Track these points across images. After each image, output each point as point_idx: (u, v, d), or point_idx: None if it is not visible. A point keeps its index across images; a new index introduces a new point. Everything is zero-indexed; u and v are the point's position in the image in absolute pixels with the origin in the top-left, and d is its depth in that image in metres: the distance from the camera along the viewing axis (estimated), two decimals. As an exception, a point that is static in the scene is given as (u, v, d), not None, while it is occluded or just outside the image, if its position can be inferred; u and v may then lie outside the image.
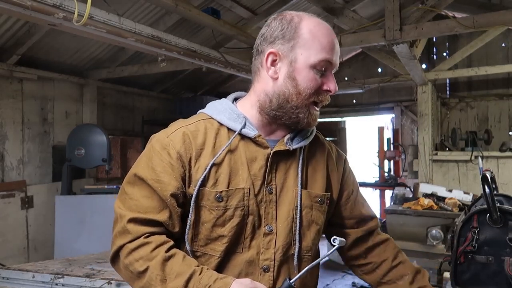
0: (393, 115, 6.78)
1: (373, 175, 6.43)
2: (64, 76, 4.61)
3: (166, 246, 0.98)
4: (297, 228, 1.05)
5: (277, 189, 1.05)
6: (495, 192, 1.47)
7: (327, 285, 4.80)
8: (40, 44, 3.99)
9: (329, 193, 1.13)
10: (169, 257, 0.97)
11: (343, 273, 5.21)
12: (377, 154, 6.07)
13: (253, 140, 1.05)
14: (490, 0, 5.18)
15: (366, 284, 4.93)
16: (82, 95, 4.97)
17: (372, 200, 7.57)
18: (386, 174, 5.77)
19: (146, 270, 0.95)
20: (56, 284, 2.07)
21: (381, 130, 6.12)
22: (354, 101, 6.99)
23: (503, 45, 5.91)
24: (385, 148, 6.00)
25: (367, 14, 5.16)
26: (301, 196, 1.06)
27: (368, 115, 7.29)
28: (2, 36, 3.71)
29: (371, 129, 8.26)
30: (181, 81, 6.07)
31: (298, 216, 1.05)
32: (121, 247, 0.99)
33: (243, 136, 1.06)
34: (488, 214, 1.39)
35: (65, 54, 4.40)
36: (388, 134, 6.58)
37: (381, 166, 5.91)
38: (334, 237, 0.96)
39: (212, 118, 1.09)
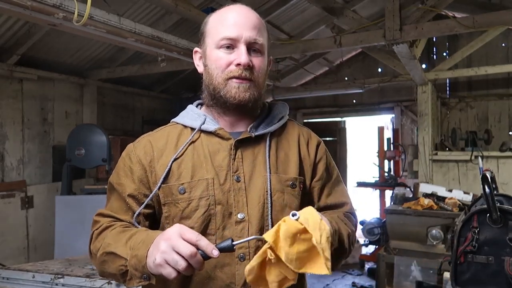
0: (393, 115, 6.77)
1: (373, 175, 6.42)
2: (64, 76, 4.60)
3: (124, 225, 1.05)
4: (269, 212, 1.06)
5: (245, 177, 1.07)
6: (495, 192, 1.47)
7: (327, 285, 4.80)
8: (40, 44, 3.99)
9: (302, 177, 1.13)
10: (124, 230, 1.02)
11: (343, 273, 5.21)
12: (377, 154, 6.06)
13: (215, 134, 1.10)
14: (490, 0, 5.18)
15: (366, 284, 4.96)
16: (82, 95, 4.97)
17: (372, 200, 7.57)
18: (386, 174, 5.77)
19: (102, 244, 1.01)
20: (56, 284, 2.07)
21: (381, 130, 6.11)
22: (354, 101, 6.99)
23: (503, 45, 5.90)
24: (385, 148, 5.99)
25: (367, 14, 5.16)
26: (270, 180, 1.07)
27: (368, 115, 7.28)
28: (2, 36, 3.71)
29: (371, 129, 8.26)
30: (181, 81, 6.07)
31: (269, 200, 1.06)
32: (91, 236, 1.08)
33: (205, 132, 1.11)
34: (488, 214, 1.39)
35: (65, 54, 4.40)
36: (388, 134, 6.58)
37: (381, 166, 5.91)
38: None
39: (177, 123, 1.16)
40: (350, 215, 1.20)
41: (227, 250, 0.87)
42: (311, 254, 0.84)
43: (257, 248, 1.03)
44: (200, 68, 1.15)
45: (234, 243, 0.87)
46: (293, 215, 0.85)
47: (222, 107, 1.11)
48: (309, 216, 0.86)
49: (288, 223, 0.84)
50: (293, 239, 0.83)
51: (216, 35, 1.07)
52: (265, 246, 0.85)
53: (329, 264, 0.83)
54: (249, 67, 1.06)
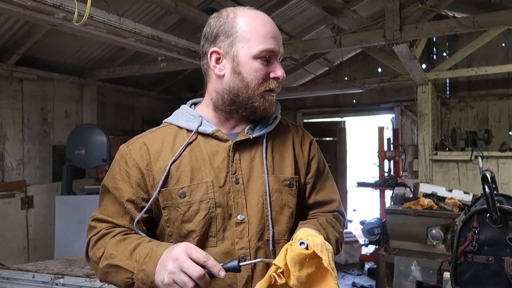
0: (393, 115, 6.77)
1: (373, 175, 6.42)
2: (64, 76, 4.60)
3: (124, 232, 1.05)
4: (269, 213, 1.07)
5: (243, 179, 1.08)
6: (495, 192, 1.46)
7: (327, 285, 4.79)
8: (40, 44, 3.99)
9: (298, 176, 1.14)
10: (124, 239, 1.02)
11: (343, 273, 5.21)
12: (377, 154, 6.06)
13: (213, 136, 1.09)
14: (490, 0, 5.18)
15: (366, 284, 4.96)
16: (82, 95, 4.97)
17: (372, 200, 7.57)
18: (386, 174, 5.77)
19: (103, 253, 1.01)
20: (56, 284, 2.07)
21: (381, 130, 6.11)
22: (354, 101, 6.99)
23: (503, 45, 5.90)
24: (385, 148, 5.99)
25: (367, 14, 5.16)
26: (268, 181, 1.08)
27: (368, 115, 7.28)
28: (2, 36, 3.71)
29: (371, 129, 8.26)
30: (181, 81, 6.07)
31: (268, 201, 1.06)
32: (88, 242, 1.07)
33: (202, 134, 1.10)
34: (488, 214, 1.39)
35: (65, 54, 4.40)
36: (388, 134, 6.58)
37: (381, 166, 5.91)
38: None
39: (171, 124, 1.14)
40: (338, 214, 1.22)
41: (233, 270, 0.89)
42: (318, 274, 0.88)
43: (257, 249, 1.05)
44: (219, 71, 1.08)
45: (240, 264, 0.89)
46: (301, 244, 0.87)
47: (237, 113, 1.10)
48: (315, 239, 0.89)
49: (294, 250, 0.87)
50: (301, 264, 0.86)
51: (256, 44, 1.04)
52: (271, 270, 0.87)
53: (337, 281, 0.88)
54: None
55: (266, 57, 1.05)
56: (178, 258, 0.86)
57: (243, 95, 1.06)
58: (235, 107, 1.09)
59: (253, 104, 1.07)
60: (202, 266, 0.86)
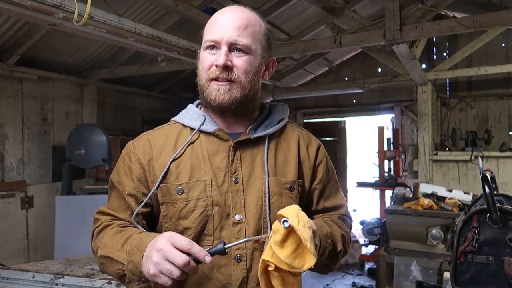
0: (393, 115, 6.77)
1: (373, 175, 6.42)
2: (64, 76, 4.61)
3: (123, 225, 1.07)
4: (267, 215, 1.06)
5: (243, 179, 1.07)
6: (495, 192, 1.47)
7: (327, 285, 4.80)
8: (40, 44, 3.99)
9: (301, 180, 1.14)
10: (121, 231, 1.04)
11: (343, 273, 5.21)
12: (377, 154, 6.06)
13: (214, 135, 1.10)
14: (490, 0, 5.18)
15: (366, 284, 4.96)
16: (82, 95, 4.97)
17: (372, 200, 7.57)
18: (386, 174, 5.77)
19: (100, 243, 1.04)
20: (56, 284, 2.07)
21: (381, 130, 6.11)
22: (354, 101, 6.99)
23: (503, 45, 5.90)
24: (385, 148, 5.99)
25: (367, 14, 5.16)
26: (268, 183, 1.07)
27: (368, 115, 7.28)
28: (2, 36, 3.71)
29: (371, 129, 8.26)
30: (181, 81, 6.08)
31: (267, 203, 1.06)
32: (92, 233, 1.10)
33: (205, 133, 1.11)
34: (488, 214, 1.39)
35: (65, 54, 4.40)
36: (388, 134, 6.58)
37: (381, 166, 5.90)
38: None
39: (177, 122, 1.16)
40: (345, 217, 1.22)
41: (219, 253, 0.88)
42: (304, 249, 0.85)
43: (254, 250, 1.04)
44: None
45: (225, 246, 0.88)
46: (284, 222, 0.85)
47: (211, 107, 1.12)
48: (288, 209, 0.88)
49: (277, 231, 0.85)
50: (283, 240, 0.84)
51: (204, 36, 1.10)
52: (260, 264, 0.87)
53: (310, 245, 0.84)
54: (227, 68, 1.05)
55: (211, 46, 1.07)
56: (162, 248, 0.86)
57: (199, 86, 1.11)
58: (204, 102, 1.13)
59: (203, 94, 1.09)
60: (188, 253, 0.85)
